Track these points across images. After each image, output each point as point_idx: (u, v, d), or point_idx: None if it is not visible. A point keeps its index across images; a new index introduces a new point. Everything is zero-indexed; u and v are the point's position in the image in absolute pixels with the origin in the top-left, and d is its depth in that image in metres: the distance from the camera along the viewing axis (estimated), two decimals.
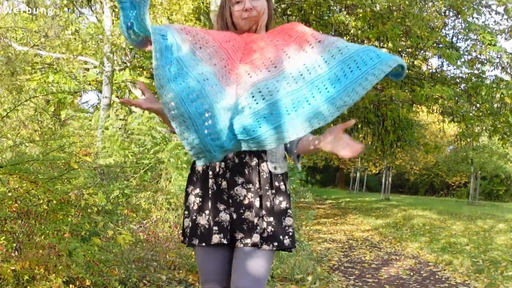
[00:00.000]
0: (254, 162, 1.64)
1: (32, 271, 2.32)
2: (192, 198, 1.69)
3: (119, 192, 4.23)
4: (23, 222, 2.60)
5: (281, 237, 1.63)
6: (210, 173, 1.65)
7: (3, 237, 2.38)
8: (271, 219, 1.62)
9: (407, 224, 9.12)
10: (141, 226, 4.27)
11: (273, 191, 1.66)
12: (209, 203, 1.64)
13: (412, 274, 4.86)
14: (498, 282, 4.40)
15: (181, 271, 3.63)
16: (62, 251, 2.38)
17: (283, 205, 1.66)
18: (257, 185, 1.63)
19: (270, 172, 1.66)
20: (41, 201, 2.62)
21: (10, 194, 2.42)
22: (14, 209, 2.44)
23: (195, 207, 1.67)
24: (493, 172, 23.66)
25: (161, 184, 5.13)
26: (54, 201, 2.58)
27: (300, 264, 4.28)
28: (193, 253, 3.94)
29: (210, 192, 1.64)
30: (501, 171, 23.89)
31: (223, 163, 1.65)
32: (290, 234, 1.65)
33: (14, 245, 2.49)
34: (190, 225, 1.68)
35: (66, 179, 2.64)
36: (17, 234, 2.54)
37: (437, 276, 4.78)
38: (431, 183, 27.61)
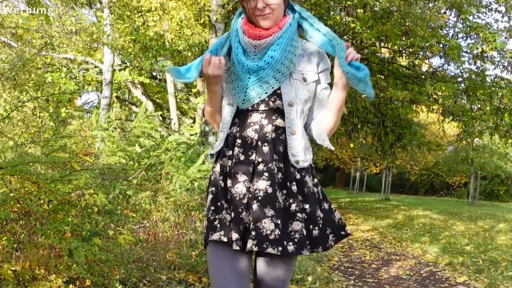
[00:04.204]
0: (260, 159, 1.58)
1: (32, 271, 2.32)
2: (210, 196, 1.65)
3: (119, 191, 4.23)
4: (24, 223, 2.60)
5: (285, 242, 1.53)
6: (223, 171, 1.63)
7: (4, 237, 2.39)
8: (278, 221, 1.53)
9: (407, 224, 9.12)
10: (141, 226, 4.28)
11: (284, 191, 1.58)
12: (223, 203, 1.61)
13: (412, 274, 4.86)
14: (498, 282, 4.40)
15: (181, 271, 3.63)
16: (62, 251, 2.39)
17: (293, 207, 1.57)
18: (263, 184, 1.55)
19: (282, 171, 1.59)
20: (42, 202, 2.63)
21: (12, 194, 2.43)
22: (15, 209, 2.45)
23: (210, 205, 1.64)
24: (493, 172, 23.67)
25: (161, 184, 5.13)
26: (55, 202, 2.58)
27: (300, 264, 4.28)
28: (193, 253, 3.95)
29: (218, 189, 1.62)
30: (501, 171, 23.90)
31: (230, 161, 1.61)
32: (296, 240, 1.54)
33: (15, 245, 2.49)
34: (206, 223, 1.64)
35: (67, 180, 2.64)
36: (18, 235, 2.55)
37: (437, 276, 4.78)
38: (431, 183, 27.59)
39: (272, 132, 1.59)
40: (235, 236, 1.55)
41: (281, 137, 1.60)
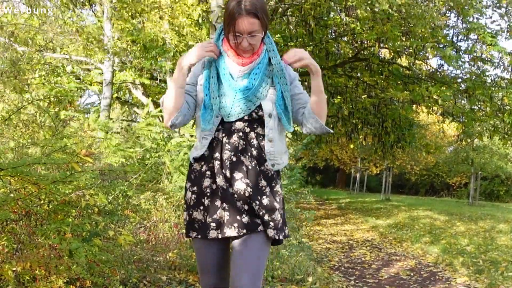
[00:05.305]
0: (250, 160, 1.81)
1: (33, 272, 2.32)
2: (189, 194, 1.86)
3: (119, 192, 4.22)
4: (24, 223, 2.60)
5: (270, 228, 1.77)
6: (208, 173, 1.83)
7: (5, 238, 2.39)
8: (263, 211, 1.77)
9: (407, 225, 9.12)
10: (141, 227, 4.27)
11: (268, 188, 1.82)
12: (206, 200, 1.81)
13: (412, 274, 4.86)
14: (499, 282, 4.40)
15: (181, 272, 3.63)
16: (63, 251, 2.39)
17: (274, 203, 1.80)
18: (253, 181, 1.78)
19: (263, 170, 1.82)
20: (42, 202, 2.63)
21: (12, 195, 2.43)
22: (15, 210, 2.45)
23: (191, 203, 1.84)
24: (494, 172, 23.66)
25: (161, 184, 5.13)
26: (55, 202, 2.59)
27: (301, 265, 4.28)
28: (193, 253, 3.95)
29: (208, 190, 1.81)
30: (502, 172, 23.88)
31: (218, 162, 1.80)
32: (278, 226, 1.78)
33: (15, 246, 2.49)
34: (188, 218, 1.85)
35: (67, 181, 2.64)
36: (18, 235, 2.55)
37: (437, 277, 4.78)
38: (431, 183, 27.58)
39: (255, 138, 1.83)
40: (240, 224, 1.76)
41: (261, 143, 1.84)
